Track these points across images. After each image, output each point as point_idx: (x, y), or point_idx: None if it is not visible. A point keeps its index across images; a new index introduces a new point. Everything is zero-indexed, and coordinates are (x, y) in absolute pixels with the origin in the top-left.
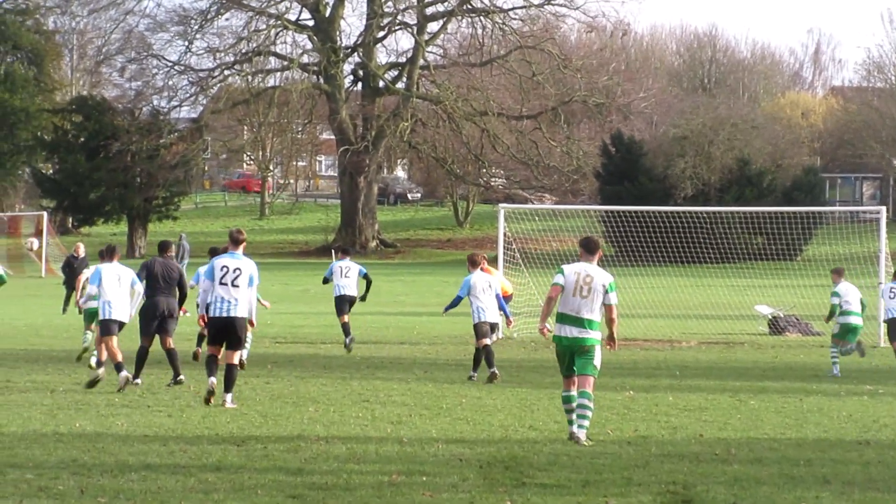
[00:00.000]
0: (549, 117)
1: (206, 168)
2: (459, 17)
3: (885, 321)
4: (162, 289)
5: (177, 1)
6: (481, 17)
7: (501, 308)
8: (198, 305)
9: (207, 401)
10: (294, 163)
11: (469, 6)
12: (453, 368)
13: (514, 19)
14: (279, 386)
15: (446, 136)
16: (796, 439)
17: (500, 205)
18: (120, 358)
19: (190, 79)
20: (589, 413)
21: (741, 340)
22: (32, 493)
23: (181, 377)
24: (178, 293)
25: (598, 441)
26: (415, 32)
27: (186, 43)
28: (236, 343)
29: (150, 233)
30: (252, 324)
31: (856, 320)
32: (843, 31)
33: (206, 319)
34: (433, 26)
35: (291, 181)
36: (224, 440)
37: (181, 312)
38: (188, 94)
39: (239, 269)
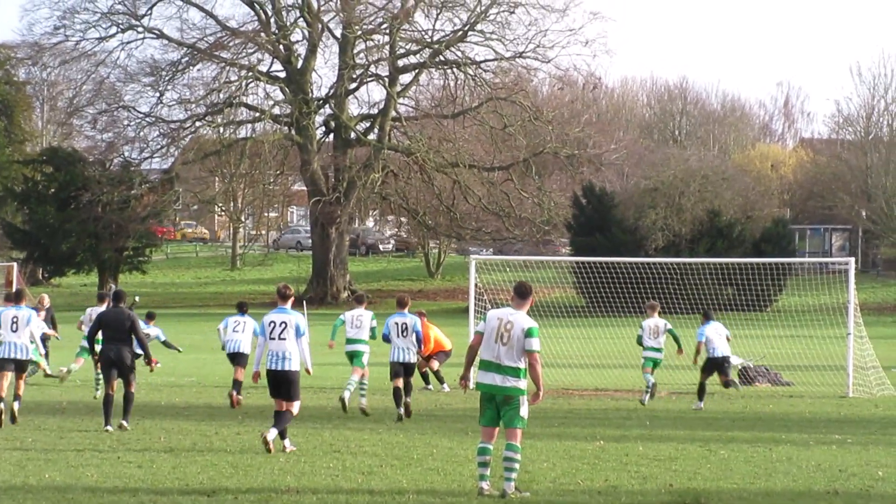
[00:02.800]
0: (520, 169)
1: (177, 219)
2: (431, 69)
3: (710, 358)
4: (114, 338)
5: (148, 52)
6: (453, 69)
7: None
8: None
9: (267, 448)
10: (266, 213)
11: (441, 58)
12: (424, 419)
13: (486, 71)
14: (250, 437)
15: (418, 187)
16: (765, 489)
17: (471, 256)
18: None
19: (161, 130)
20: (517, 465)
21: (711, 391)
22: None
23: (124, 422)
24: (132, 341)
25: (567, 491)
26: (386, 84)
27: (157, 94)
28: (291, 394)
29: (120, 283)
30: (308, 371)
31: (656, 356)
32: (812, 83)
33: (258, 375)
34: (405, 78)
35: (263, 232)
36: (194, 491)
37: (155, 363)
38: (159, 146)
39: (285, 323)
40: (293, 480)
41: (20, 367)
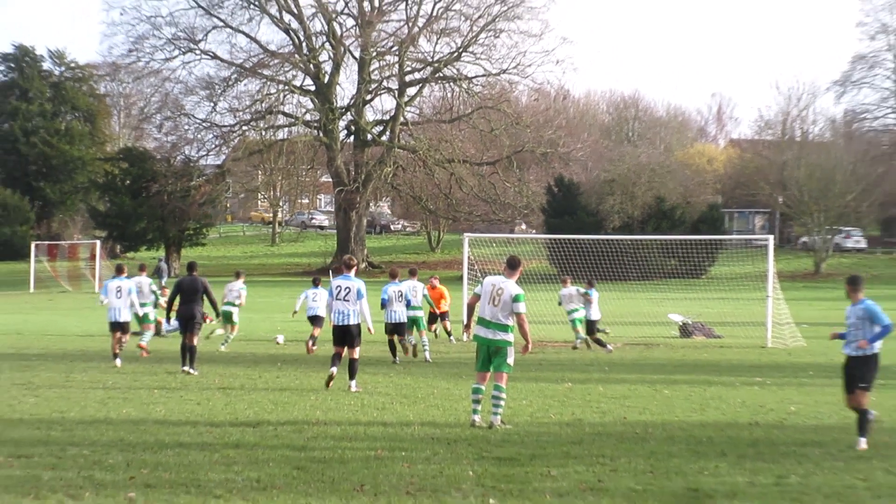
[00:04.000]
0: (504, 164)
1: (228, 205)
2: (432, 83)
3: (580, 320)
4: (189, 299)
5: (204, 70)
6: (450, 83)
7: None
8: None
9: (328, 384)
10: (299, 200)
11: (440, 75)
12: (428, 366)
13: (477, 85)
14: (287, 380)
15: (421, 179)
16: (700, 421)
17: (465, 234)
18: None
19: (214, 133)
20: (503, 402)
21: (657, 342)
22: (88, 466)
23: (193, 370)
24: (202, 303)
25: (542, 423)
26: (396, 96)
27: (212, 104)
28: (353, 343)
29: (182, 257)
30: (370, 330)
31: (578, 315)
32: (740, 94)
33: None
34: (411, 91)
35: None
36: (242, 423)
37: (206, 320)
38: (213, 146)
39: (349, 288)
40: (322, 415)
41: (124, 328)
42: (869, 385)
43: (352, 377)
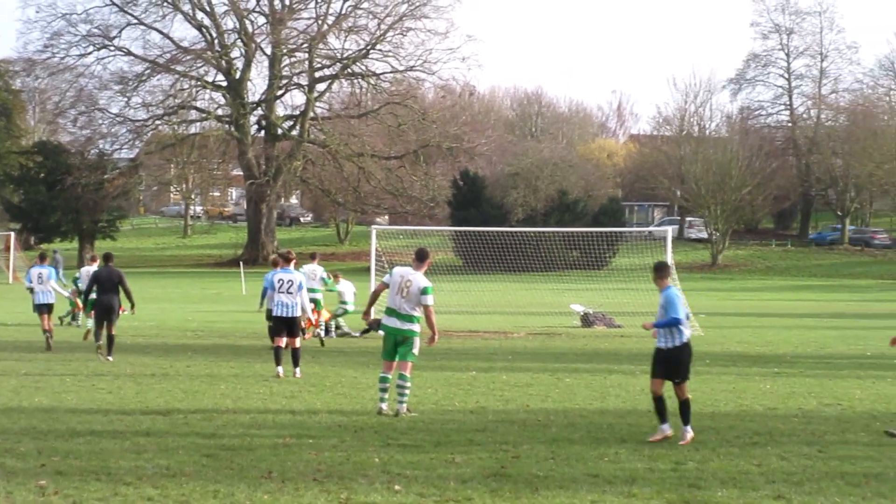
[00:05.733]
0: (411, 158)
1: (141, 198)
2: (342, 80)
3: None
4: (106, 290)
5: (118, 66)
6: (359, 80)
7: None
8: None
9: (278, 375)
10: (211, 193)
11: (349, 71)
12: (335, 354)
13: (385, 81)
14: (198, 369)
15: (330, 172)
16: (601, 408)
17: (373, 226)
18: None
19: (128, 127)
20: (407, 391)
21: (559, 332)
22: (0, 454)
23: (110, 357)
24: (119, 293)
25: (447, 411)
26: (306, 91)
27: (125, 99)
28: (294, 333)
29: (95, 248)
30: (309, 320)
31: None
32: (639, 91)
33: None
34: (321, 87)
35: (210, 207)
36: (153, 411)
37: (121, 310)
38: (127, 140)
39: (291, 281)
40: (231, 403)
41: (49, 309)
42: (685, 375)
43: (296, 364)
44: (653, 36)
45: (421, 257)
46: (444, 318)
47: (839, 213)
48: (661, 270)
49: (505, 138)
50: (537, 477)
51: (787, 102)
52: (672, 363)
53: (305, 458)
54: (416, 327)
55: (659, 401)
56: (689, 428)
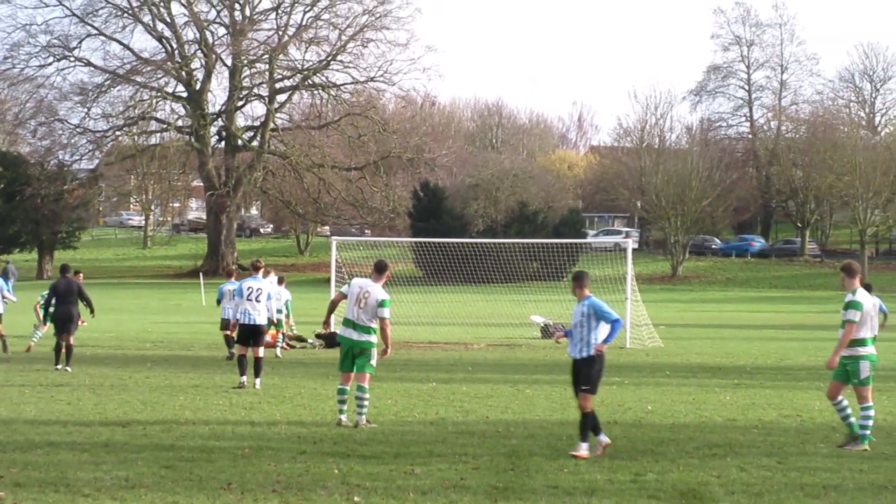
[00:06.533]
0: (371, 169)
1: (101, 209)
2: (302, 91)
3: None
4: (65, 301)
5: (78, 77)
6: (319, 91)
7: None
8: (224, 320)
9: (241, 386)
10: (171, 204)
11: (310, 82)
12: (295, 366)
13: (345, 92)
14: (157, 380)
15: (291, 183)
16: (561, 420)
17: (333, 237)
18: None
19: (88, 138)
20: (366, 402)
21: (520, 343)
22: None
23: (68, 367)
24: (77, 304)
25: (406, 422)
26: (267, 102)
27: (86, 110)
28: (259, 342)
29: (55, 259)
30: (273, 323)
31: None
32: (599, 102)
33: (236, 326)
34: (281, 97)
35: (169, 218)
36: (112, 422)
37: (80, 322)
38: (87, 150)
39: (260, 289)
40: (191, 414)
41: None
42: (592, 387)
43: (257, 375)
44: (613, 48)
45: (380, 269)
46: (405, 329)
47: (799, 224)
48: (580, 279)
49: (465, 149)
50: (497, 488)
51: (748, 114)
52: (584, 371)
53: (265, 469)
54: (373, 339)
55: (585, 416)
56: (583, 445)
